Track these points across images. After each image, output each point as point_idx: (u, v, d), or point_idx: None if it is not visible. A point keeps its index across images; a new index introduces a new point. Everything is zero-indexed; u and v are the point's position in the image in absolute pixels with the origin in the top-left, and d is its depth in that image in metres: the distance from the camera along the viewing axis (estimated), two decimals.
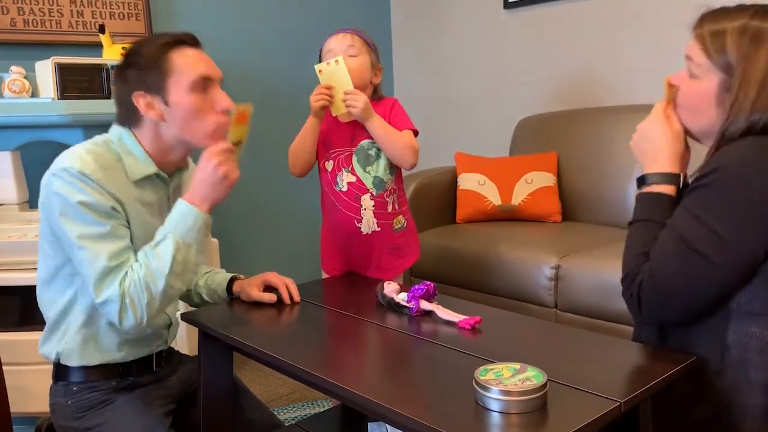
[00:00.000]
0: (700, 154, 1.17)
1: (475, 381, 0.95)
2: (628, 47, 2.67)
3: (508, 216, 2.62)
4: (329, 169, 1.83)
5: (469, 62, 3.26)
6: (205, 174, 1.27)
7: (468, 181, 2.68)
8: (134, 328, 1.25)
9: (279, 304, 1.48)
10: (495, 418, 0.90)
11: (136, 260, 1.26)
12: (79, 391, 1.35)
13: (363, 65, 1.78)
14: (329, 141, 1.82)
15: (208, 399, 1.44)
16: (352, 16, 3.38)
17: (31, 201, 2.29)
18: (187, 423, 1.46)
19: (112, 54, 2.26)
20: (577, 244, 2.24)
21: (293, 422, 1.70)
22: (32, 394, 1.89)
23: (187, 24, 2.83)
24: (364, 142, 1.79)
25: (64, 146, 2.20)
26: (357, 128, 1.79)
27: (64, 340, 1.34)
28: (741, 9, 1.07)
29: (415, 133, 1.82)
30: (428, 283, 1.37)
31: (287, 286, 1.51)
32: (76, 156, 1.25)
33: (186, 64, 1.30)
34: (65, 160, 1.25)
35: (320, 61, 1.78)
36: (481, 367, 0.98)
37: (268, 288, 1.53)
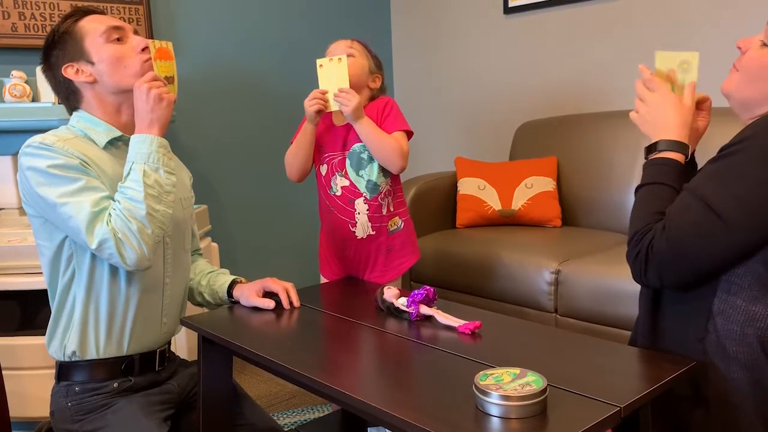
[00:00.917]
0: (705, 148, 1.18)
1: (475, 386, 0.95)
2: (628, 52, 2.67)
3: (508, 221, 2.62)
4: (324, 173, 1.83)
5: (469, 67, 3.26)
6: (141, 101, 1.34)
7: (468, 186, 2.69)
8: (138, 260, 1.27)
9: (279, 308, 1.48)
10: (495, 423, 0.90)
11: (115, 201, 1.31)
12: (80, 393, 1.35)
13: (360, 65, 1.80)
14: (323, 145, 1.83)
15: (207, 404, 1.43)
16: (352, 22, 3.39)
17: (22, 203, 2.29)
18: (187, 428, 1.46)
19: None
20: (577, 248, 2.25)
21: (293, 427, 1.70)
22: (31, 398, 1.89)
23: (187, 29, 2.83)
24: (357, 146, 1.79)
25: None
26: (350, 132, 1.80)
27: (68, 331, 1.35)
28: None
29: (410, 133, 1.81)
30: (428, 287, 1.37)
31: (287, 290, 1.51)
32: (36, 136, 1.33)
33: (95, 25, 1.38)
34: (27, 141, 1.32)
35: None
36: (481, 372, 0.98)
37: (268, 293, 1.53)
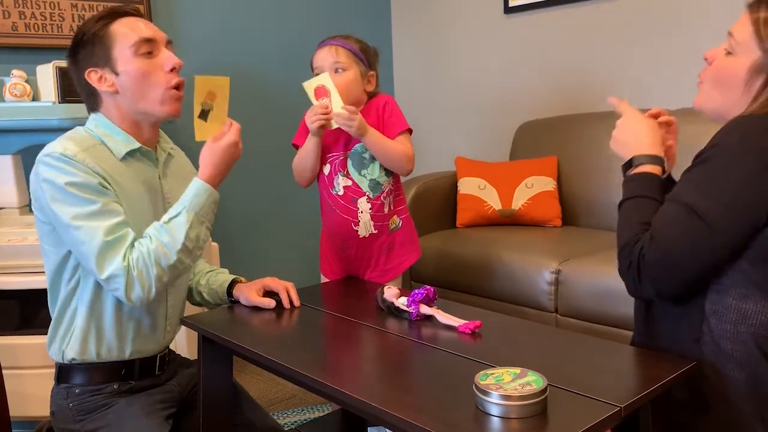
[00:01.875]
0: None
1: (475, 385, 0.95)
2: (629, 52, 2.67)
3: (509, 220, 2.62)
4: (326, 173, 1.83)
5: (469, 67, 3.26)
6: (223, 151, 1.32)
7: (468, 186, 2.69)
8: (141, 300, 1.26)
9: (279, 308, 1.48)
10: (495, 422, 0.90)
11: (144, 235, 1.27)
12: (80, 394, 1.35)
13: (350, 80, 1.76)
14: (325, 145, 1.82)
15: (207, 403, 1.43)
16: (352, 21, 3.39)
17: (32, 205, 2.29)
18: (188, 427, 1.45)
19: None
20: (578, 248, 2.24)
21: (293, 426, 1.70)
22: (32, 398, 1.89)
23: (188, 27, 2.83)
24: (358, 146, 1.79)
25: None
26: None
27: (68, 337, 1.35)
28: None
29: (410, 131, 1.82)
30: (428, 287, 1.37)
31: (287, 290, 1.51)
32: (57, 142, 1.29)
33: (127, 31, 1.32)
34: (47, 147, 1.28)
35: (312, 72, 1.78)
36: (481, 372, 0.98)
37: (268, 293, 1.53)
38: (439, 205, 2.73)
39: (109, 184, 1.28)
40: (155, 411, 1.36)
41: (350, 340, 1.30)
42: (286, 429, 1.69)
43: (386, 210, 1.83)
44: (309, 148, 1.79)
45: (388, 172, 1.83)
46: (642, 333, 1.22)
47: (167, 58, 1.35)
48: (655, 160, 1.18)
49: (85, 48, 1.33)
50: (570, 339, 1.28)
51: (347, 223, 1.81)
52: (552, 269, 2.15)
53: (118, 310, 1.35)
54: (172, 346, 1.52)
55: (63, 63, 2.07)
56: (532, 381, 0.94)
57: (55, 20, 2.46)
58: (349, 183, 1.80)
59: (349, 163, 1.80)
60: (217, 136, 1.34)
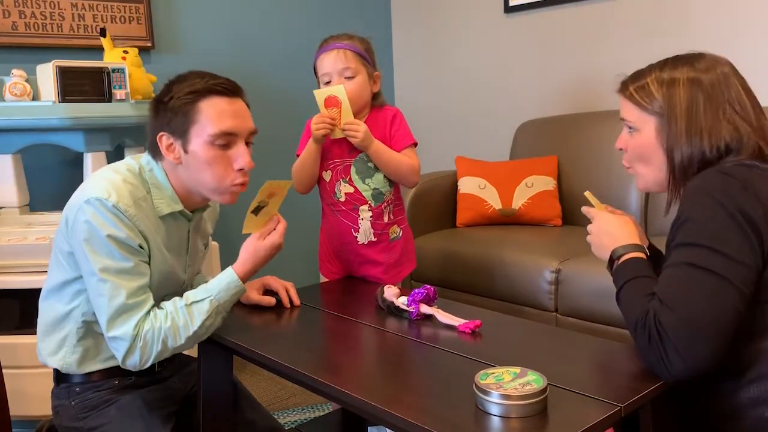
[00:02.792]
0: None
1: (476, 385, 0.95)
2: (628, 51, 2.67)
3: (509, 220, 2.62)
4: (327, 180, 1.82)
5: (469, 66, 3.26)
6: (265, 249, 1.36)
7: (468, 185, 2.68)
8: (134, 367, 1.26)
9: (279, 307, 1.49)
10: (495, 422, 0.90)
11: (161, 306, 1.27)
12: (82, 392, 1.35)
13: (361, 86, 1.75)
14: (328, 151, 1.81)
15: (207, 402, 1.43)
16: (353, 22, 3.39)
17: (32, 204, 2.29)
18: (189, 424, 1.45)
19: (113, 57, 2.27)
20: (578, 248, 2.24)
21: (293, 426, 1.70)
22: (32, 397, 1.89)
23: (187, 29, 2.83)
24: (363, 154, 1.78)
25: (65, 149, 2.23)
26: None
27: (61, 353, 1.34)
28: (650, 67, 1.23)
29: (415, 144, 1.82)
30: (428, 286, 1.37)
31: (287, 289, 1.51)
32: (113, 186, 1.25)
33: (212, 116, 1.28)
34: (101, 188, 1.24)
35: (315, 73, 1.78)
36: (482, 371, 0.98)
37: (268, 291, 1.53)
38: (439, 204, 2.73)
39: (147, 242, 1.27)
40: (157, 408, 1.36)
41: (350, 340, 1.30)
42: (286, 428, 1.69)
43: (386, 219, 1.82)
44: (308, 154, 1.78)
45: (391, 183, 1.82)
46: None
47: (241, 156, 1.31)
48: (635, 247, 1.17)
49: (166, 112, 1.29)
50: (570, 339, 1.28)
51: (347, 228, 1.81)
52: (552, 269, 2.15)
53: None
54: None
55: (63, 62, 2.07)
56: (532, 380, 0.94)
57: (55, 20, 2.45)
58: (351, 190, 1.80)
59: (353, 170, 1.80)
60: (264, 231, 1.37)
